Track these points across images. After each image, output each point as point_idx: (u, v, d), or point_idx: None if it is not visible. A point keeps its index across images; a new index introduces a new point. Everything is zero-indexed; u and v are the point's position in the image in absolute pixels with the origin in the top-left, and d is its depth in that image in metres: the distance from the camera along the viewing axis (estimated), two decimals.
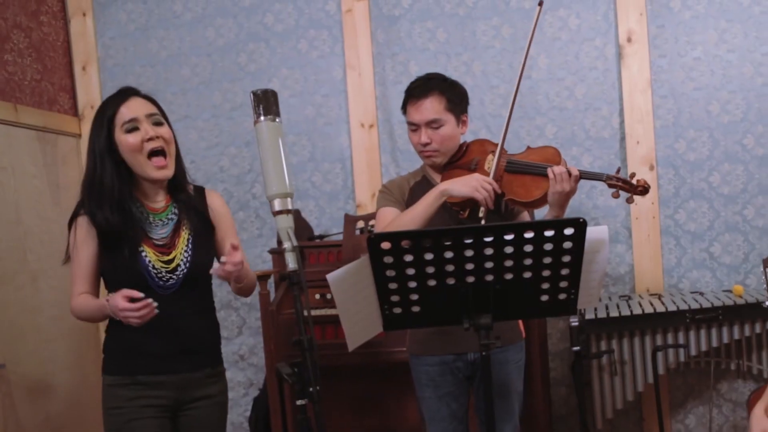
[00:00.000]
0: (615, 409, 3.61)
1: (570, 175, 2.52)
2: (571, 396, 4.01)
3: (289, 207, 2.17)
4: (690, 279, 3.98)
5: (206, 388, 2.48)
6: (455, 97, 2.79)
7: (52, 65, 4.11)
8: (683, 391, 4.03)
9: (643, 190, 2.57)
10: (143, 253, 2.35)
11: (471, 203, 2.69)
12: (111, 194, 2.32)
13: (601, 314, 3.45)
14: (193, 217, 2.50)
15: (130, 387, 2.36)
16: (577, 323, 3.40)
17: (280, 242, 3.79)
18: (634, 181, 2.58)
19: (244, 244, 4.17)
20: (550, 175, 2.54)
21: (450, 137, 2.77)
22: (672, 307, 3.44)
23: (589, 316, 3.43)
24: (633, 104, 3.94)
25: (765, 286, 3.18)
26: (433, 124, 2.73)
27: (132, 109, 2.34)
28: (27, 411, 3.60)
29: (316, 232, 4.08)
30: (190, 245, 2.45)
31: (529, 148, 2.84)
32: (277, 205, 2.15)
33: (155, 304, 2.21)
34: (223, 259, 2.31)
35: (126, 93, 2.38)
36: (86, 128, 4.19)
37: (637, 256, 3.98)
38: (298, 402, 2.10)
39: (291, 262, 2.11)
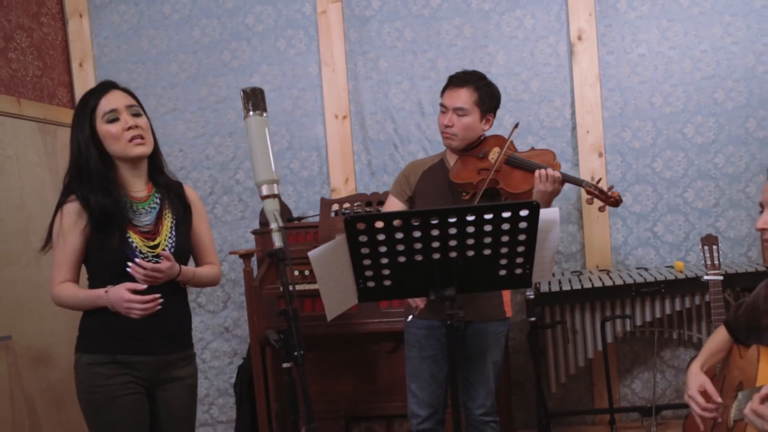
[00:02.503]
0: (568, 374, 3.85)
1: (554, 178, 2.73)
2: (528, 363, 4.20)
3: (276, 192, 2.24)
4: (635, 256, 4.19)
5: (178, 371, 2.48)
6: (486, 96, 2.95)
7: (51, 62, 4.23)
8: (630, 358, 4.23)
9: (614, 201, 2.76)
10: (130, 239, 2.35)
11: (473, 188, 2.91)
12: (98, 179, 2.34)
13: (555, 288, 3.66)
14: (176, 203, 2.52)
15: (109, 365, 2.35)
16: (533, 296, 3.62)
17: (261, 224, 4.00)
18: (609, 192, 2.77)
19: (229, 225, 4.38)
20: (536, 174, 2.74)
21: (470, 127, 2.94)
22: (619, 282, 3.65)
23: (544, 289, 3.65)
24: (583, 97, 4.13)
25: (703, 262, 3.33)
26: (459, 111, 2.91)
27: (112, 101, 2.36)
28: (31, 379, 3.77)
29: (295, 215, 4.23)
30: (173, 231, 2.47)
31: (532, 148, 3.05)
32: (265, 190, 2.22)
33: (161, 300, 2.26)
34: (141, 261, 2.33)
35: (106, 86, 2.41)
36: None
37: (588, 235, 4.18)
38: (284, 365, 2.19)
39: (277, 240, 2.19)
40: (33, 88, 4.05)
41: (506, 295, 3.07)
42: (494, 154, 2.94)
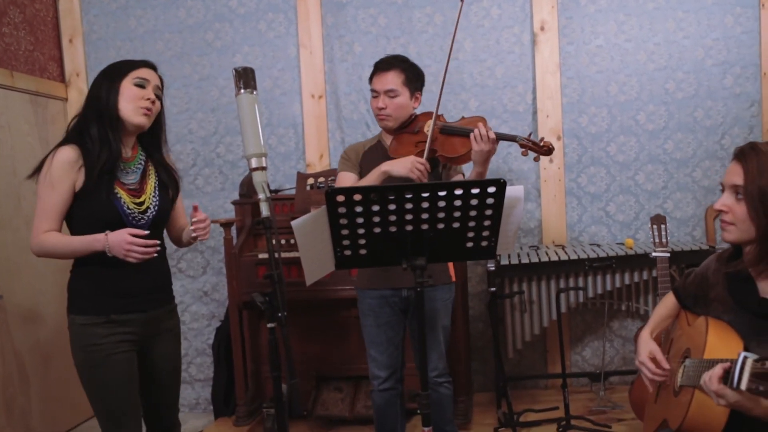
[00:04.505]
0: (524, 341, 4.04)
1: (488, 137, 2.80)
2: (487, 330, 4.39)
3: (264, 165, 2.28)
4: (589, 233, 4.39)
5: (166, 322, 2.61)
6: (412, 76, 3.07)
7: (43, 38, 4.34)
8: (581, 327, 4.45)
9: (547, 150, 2.85)
10: (117, 194, 2.42)
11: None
12: (117, 125, 2.45)
13: (514, 261, 3.85)
14: (161, 170, 2.61)
15: (104, 325, 2.41)
16: (493, 268, 3.80)
17: (241, 195, 4.13)
18: (541, 143, 2.86)
19: (209, 196, 4.52)
20: (472, 137, 2.82)
21: (402, 107, 3.05)
22: (573, 256, 3.84)
23: (504, 262, 3.83)
24: (544, 84, 4.31)
25: (652, 240, 3.44)
26: (390, 93, 3.02)
27: (148, 74, 2.51)
28: (21, 336, 3.94)
29: (272, 187, 4.36)
30: (156, 191, 2.55)
31: (463, 117, 3.13)
32: (254, 162, 2.27)
33: (159, 247, 2.36)
34: (194, 219, 2.49)
35: (147, 62, 2.56)
36: (72, 94, 4.50)
37: (545, 212, 4.37)
38: (269, 325, 2.26)
39: (264, 210, 2.24)
40: (25, 62, 4.16)
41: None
42: (428, 126, 3.03)
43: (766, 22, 4.21)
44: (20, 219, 4.01)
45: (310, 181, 4.06)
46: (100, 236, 2.34)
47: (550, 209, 4.38)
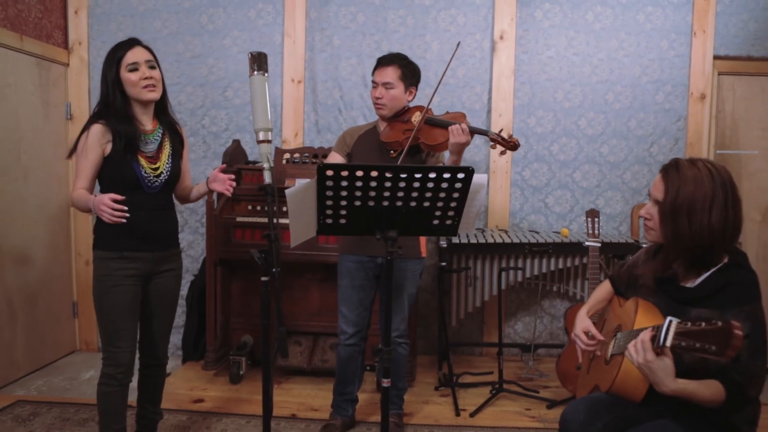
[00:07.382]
0: (466, 312, 4.40)
1: (463, 131, 3.09)
2: (432, 300, 4.80)
3: (270, 138, 2.44)
4: (529, 221, 4.80)
5: (169, 263, 2.97)
6: (409, 73, 3.36)
7: (51, 7, 4.59)
8: (516, 303, 4.86)
9: (513, 145, 3.12)
10: (138, 161, 2.78)
11: (399, 146, 3.31)
12: (121, 114, 2.77)
13: (463, 240, 4.22)
14: (173, 138, 2.95)
15: (117, 260, 2.79)
16: (445, 245, 4.15)
17: (224, 163, 4.42)
18: (509, 139, 3.13)
19: (192, 163, 4.76)
20: (450, 129, 3.12)
21: (396, 99, 3.35)
22: (515, 240, 4.21)
23: (455, 240, 4.20)
24: (499, 86, 4.69)
25: (586, 230, 3.74)
26: (387, 85, 3.32)
27: (135, 55, 2.77)
28: (11, 276, 4.22)
29: (250, 159, 4.70)
30: (170, 159, 2.89)
31: (447, 112, 3.43)
32: (261, 135, 2.44)
33: (127, 215, 2.66)
34: (230, 178, 2.87)
35: (132, 42, 2.82)
36: (74, 60, 4.77)
37: (492, 200, 4.76)
38: (263, 278, 2.45)
39: (267, 178, 2.44)
40: (34, 28, 4.41)
41: (422, 239, 3.59)
42: (416, 117, 3.35)
43: (696, 48, 4.66)
44: (19, 170, 4.27)
45: (286, 156, 4.38)
46: (91, 196, 2.72)
47: (497, 197, 4.77)
